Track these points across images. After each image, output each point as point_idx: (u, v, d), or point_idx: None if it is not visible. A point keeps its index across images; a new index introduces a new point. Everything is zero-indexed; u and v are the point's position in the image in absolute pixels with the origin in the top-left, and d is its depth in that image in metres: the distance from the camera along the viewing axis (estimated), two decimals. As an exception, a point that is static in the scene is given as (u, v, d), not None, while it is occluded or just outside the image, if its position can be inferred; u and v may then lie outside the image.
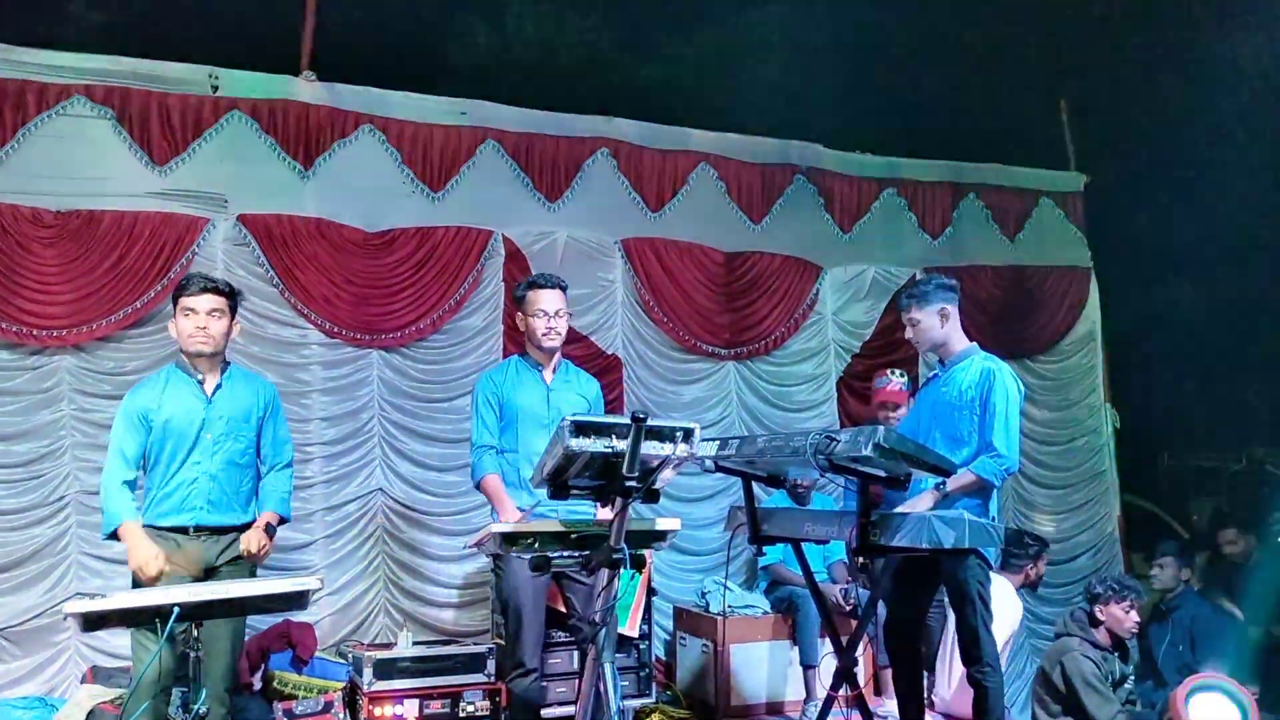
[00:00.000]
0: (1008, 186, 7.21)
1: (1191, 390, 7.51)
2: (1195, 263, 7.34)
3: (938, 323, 4.13)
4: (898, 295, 5.84)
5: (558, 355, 4.29)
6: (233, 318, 3.79)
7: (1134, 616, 4.92)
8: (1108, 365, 7.34)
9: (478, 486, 4.20)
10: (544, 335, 4.15)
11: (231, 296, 3.78)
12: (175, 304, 3.72)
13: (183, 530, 3.65)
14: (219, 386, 3.76)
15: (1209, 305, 7.39)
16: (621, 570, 2.91)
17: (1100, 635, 4.91)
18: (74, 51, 5.00)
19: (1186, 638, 5.52)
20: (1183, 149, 7.10)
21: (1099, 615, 4.91)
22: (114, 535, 3.62)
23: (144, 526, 3.65)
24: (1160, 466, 7.95)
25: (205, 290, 3.68)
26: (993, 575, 4.01)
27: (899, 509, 3.75)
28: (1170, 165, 7.15)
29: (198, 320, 3.66)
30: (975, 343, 4.20)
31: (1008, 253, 7.14)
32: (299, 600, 3.04)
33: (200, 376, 3.74)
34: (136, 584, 3.59)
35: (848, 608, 5.28)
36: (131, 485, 3.69)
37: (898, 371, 5.58)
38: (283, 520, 3.88)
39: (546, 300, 4.16)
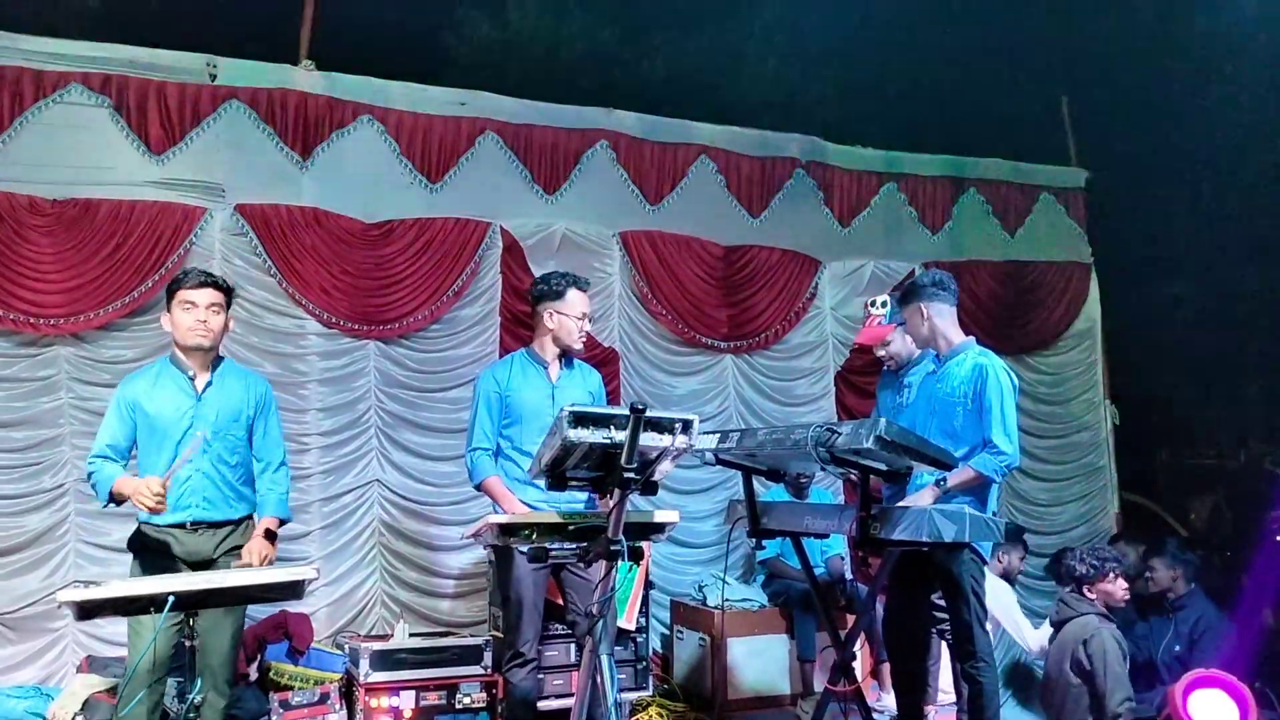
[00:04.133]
0: (1008, 181, 7.22)
1: (1190, 387, 7.49)
2: (1195, 259, 7.32)
3: (919, 321, 4.14)
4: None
5: None
6: (227, 314, 3.75)
7: (1122, 584, 4.90)
8: (1107, 361, 7.35)
9: (478, 488, 4.14)
10: (579, 337, 4.13)
11: (229, 293, 3.75)
12: (171, 296, 3.67)
13: (180, 526, 3.63)
14: (209, 384, 3.70)
15: (1208, 302, 7.38)
16: (619, 562, 2.90)
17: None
18: (72, 39, 4.98)
19: (1187, 638, 5.46)
20: (1183, 145, 7.09)
21: (1089, 594, 4.89)
22: (113, 499, 3.52)
23: (142, 524, 3.63)
24: (1158, 463, 7.93)
25: (205, 284, 3.63)
26: None
27: (900, 504, 3.75)
28: (1171, 161, 7.14)
29: (198, 314, 3.61)
30: (972, 337, 4.20)
31: (1008, 248, 7.14)
32: (294, 590, 3.02)
33: (191, 373, 3.69)
34: (141, 544, 3.58)
35: (843, 602, 5.28)
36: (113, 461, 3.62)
37: (877, 301, 4.69)
38: (283, 522, 3.85)
39: (585, 302, 4.14)
